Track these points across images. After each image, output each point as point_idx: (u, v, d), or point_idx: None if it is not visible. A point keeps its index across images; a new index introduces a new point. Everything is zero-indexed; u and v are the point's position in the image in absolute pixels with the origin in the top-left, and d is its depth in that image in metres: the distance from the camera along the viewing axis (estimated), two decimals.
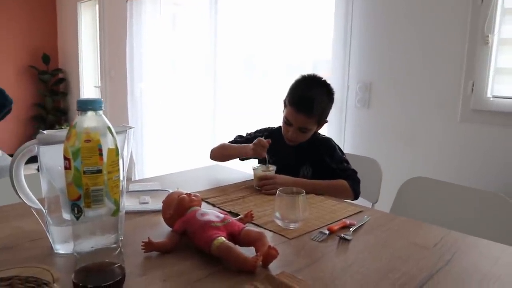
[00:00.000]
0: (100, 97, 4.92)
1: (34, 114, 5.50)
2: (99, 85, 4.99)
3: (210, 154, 1.76)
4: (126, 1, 3.95)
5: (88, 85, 5.29)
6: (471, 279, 0.87)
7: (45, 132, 0.89)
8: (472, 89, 2.00)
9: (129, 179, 3.92)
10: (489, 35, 1.91)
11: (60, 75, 5.62)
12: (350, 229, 1.10)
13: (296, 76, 1.64)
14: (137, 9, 3.90)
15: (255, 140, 1.53)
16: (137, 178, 4.05)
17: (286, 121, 1.59)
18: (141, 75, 4.03)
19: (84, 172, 0.71)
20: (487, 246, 1.05)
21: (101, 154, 0.72)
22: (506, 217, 1.30)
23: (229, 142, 1.76)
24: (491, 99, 1.96)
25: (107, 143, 0.73)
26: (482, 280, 0.86)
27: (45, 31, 5.52)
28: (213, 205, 1.28)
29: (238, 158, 1.70)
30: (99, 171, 0.72)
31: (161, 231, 1.06)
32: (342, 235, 1.06)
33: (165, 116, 3.97)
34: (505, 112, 1.91)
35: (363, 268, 0.90)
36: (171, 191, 1.13)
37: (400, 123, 2.31)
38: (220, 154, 1.73)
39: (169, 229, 1.01)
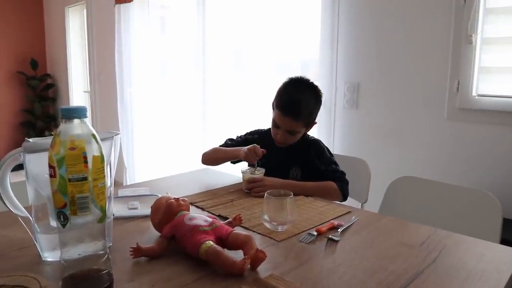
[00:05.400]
0: (89, 102, 4.91)
1: (23, 120, 5.45)
2: (88, 90, 4.96)
3: (202, 159, 1.75)
4: (114, 5, 3.94)
5: (77, 90, 5.25)
6: (457, 276, 0.88)
7: (30, 140, 0.89)
8: (458, 88, 2.02)
9: (120, 184, 3.91)
10: (473, 35, 1.94)
11: (49, 81, 5.57)
12: (338, 230, 1.11)
13: (285, 76, 1.64)
14: (125, 13, 3.89)
15: (250, 146, 1.53)
16: (128, 183, 4.03)
17: (274, 124, 1.60)
18: (130, 80, 4.02)
19: (69, 180, 0.71)
20: (472, 243, 1.06)
21: (86, 162, 0.72)
22: (491, 214, 1.32)
23: (220, 146, 1.76)
24: (476, 97, 1.99)
25: (92, 151, 0.74)
26: (468, 276, 0.88)
27: (32, 36, 5.48)
28: (202, 209, 1.29)
29: (229, 161, 1.71)
30: (84, 179, 0.72)
31: (150, 236, 1.06)
32: (330, 236, 1.07)
33: (155, 120, 3.96)
34: (490, 110, 1.94)
35: (351, 268, 0.91)
36: (160, 196, 1.14)
37: (388, 123, 2.33)
38: (212, 158, 1.72)
39: (158, 234, 1.02)
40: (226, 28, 3.15)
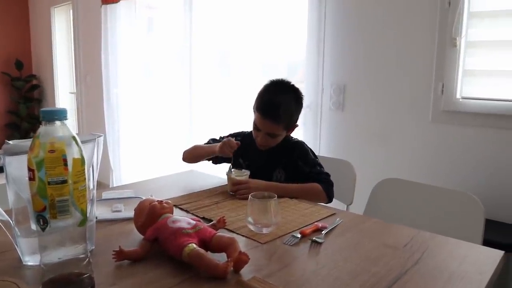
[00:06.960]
0: (75, 103, 4.85)
1: (8, 121, 5.37)
2: (75, 91, 4.91)
3: (183, 156, 1.75)
4: (101, 6, 3.91)
5: (63, 91, 5.18)
6: (440, 277, 0.89)
7: (11, 142, 0.88)
8: (442, 91, 2.04)
9: (106, 186, 3.87)
10: (457, 38, 1.96)
11: (34, 82, 5.50)
12: (322, 232, 1.11)
13: (271, 77, 1.63)
14: (112, 13, 3.85)
15: (224, 139, 1.54)
16: (114, 185, 3.99)
17: (255, 126, 1.59)
18: (116, 80, 3.98)
19: (49, 183, 0.70)
20: (455, 244, 1.07)
21: (66, 164, 0.71)
22: (474, 216, 1.33)
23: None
24: (460, 100, 2.01)
25: (72, 153, 0.73)
26: (450, 277, 0.88)
27: (17, 37, 5.40)
28: (187, 211, 1.28)
29: (207, 159, 1.71)
30: (64, 182, 0.71)
31: (134, 239, 1.05)
32: (314, 238, 1.07)
33: (141, 121, 3.94)
34: (474, 112, 1.96)
35: (334, 270, 0.91)
36: (143, 198, 1.13)
37: (374, 125, 2.34)
38: (191, 154, 1.73)
39: (142, 237, 1.01)
40: (213, 29, 3.15)
